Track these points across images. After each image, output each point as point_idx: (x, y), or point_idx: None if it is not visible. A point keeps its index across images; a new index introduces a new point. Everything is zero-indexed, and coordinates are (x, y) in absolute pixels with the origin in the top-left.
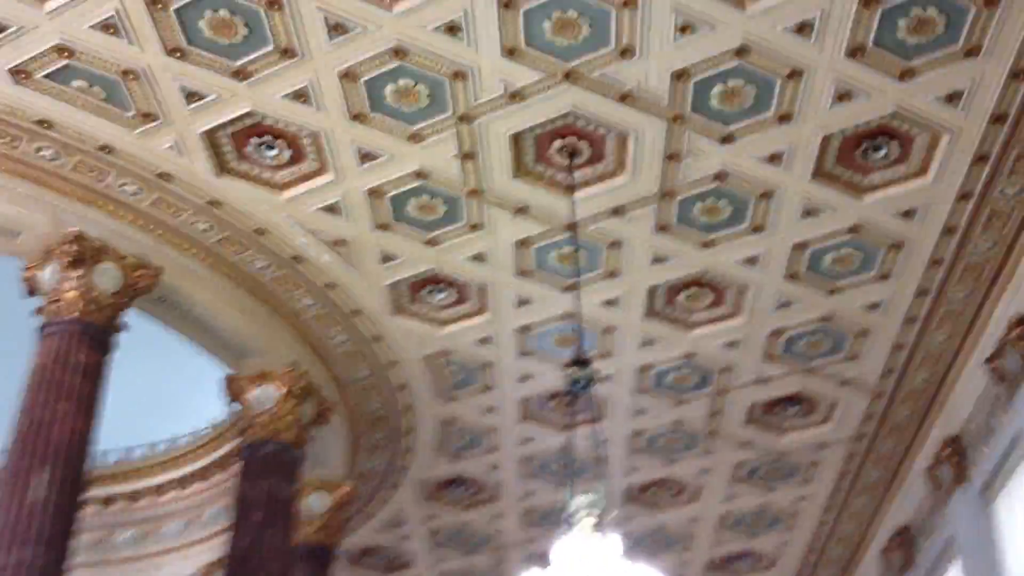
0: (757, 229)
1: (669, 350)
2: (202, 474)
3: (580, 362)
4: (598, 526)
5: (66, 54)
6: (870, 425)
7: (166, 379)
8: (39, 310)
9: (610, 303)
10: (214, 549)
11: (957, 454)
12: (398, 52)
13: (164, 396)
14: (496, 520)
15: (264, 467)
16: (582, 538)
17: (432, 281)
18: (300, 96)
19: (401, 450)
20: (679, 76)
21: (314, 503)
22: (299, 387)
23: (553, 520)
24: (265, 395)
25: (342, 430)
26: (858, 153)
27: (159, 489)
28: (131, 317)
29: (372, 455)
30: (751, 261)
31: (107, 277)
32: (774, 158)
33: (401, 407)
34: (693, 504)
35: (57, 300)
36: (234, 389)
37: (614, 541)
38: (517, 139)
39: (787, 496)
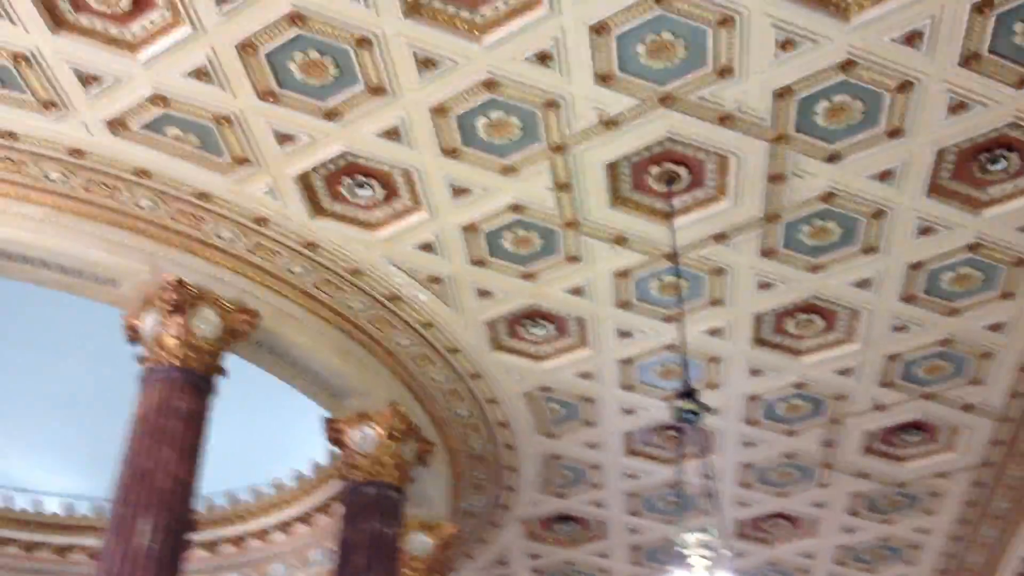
0: (869, 250)
1: (779, 379)
2: (305, 517)
3: (687, 394)
4: (712, 565)
5: (161, 103)
6: (997, 451)
7: (268, 422)
8: (140, 358)
9: (715, 332)
10: None
11: None
12: (489, 85)
13: (266, 439)
14: (602, 558)
15: (366, 509)
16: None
17: (530, 316)
18: (392, 134)
19: (503, 488)
20: (781, 94)
21: (417, 544)
22: (399, 428)
23: (660, 557)
24: (365, 437)
25: (443, 469)
26: (975, 166)
27: (263, 533)
28: (231, 362)
29: (474, 494)
30: (864, 284)
31: (206, 323)
32: (885, 175)
33: (502, 445)
34: (809, 538)
35: (158, 347)
36: (334, 431)
37: None
38: (613, 167)
39: (908, 527)
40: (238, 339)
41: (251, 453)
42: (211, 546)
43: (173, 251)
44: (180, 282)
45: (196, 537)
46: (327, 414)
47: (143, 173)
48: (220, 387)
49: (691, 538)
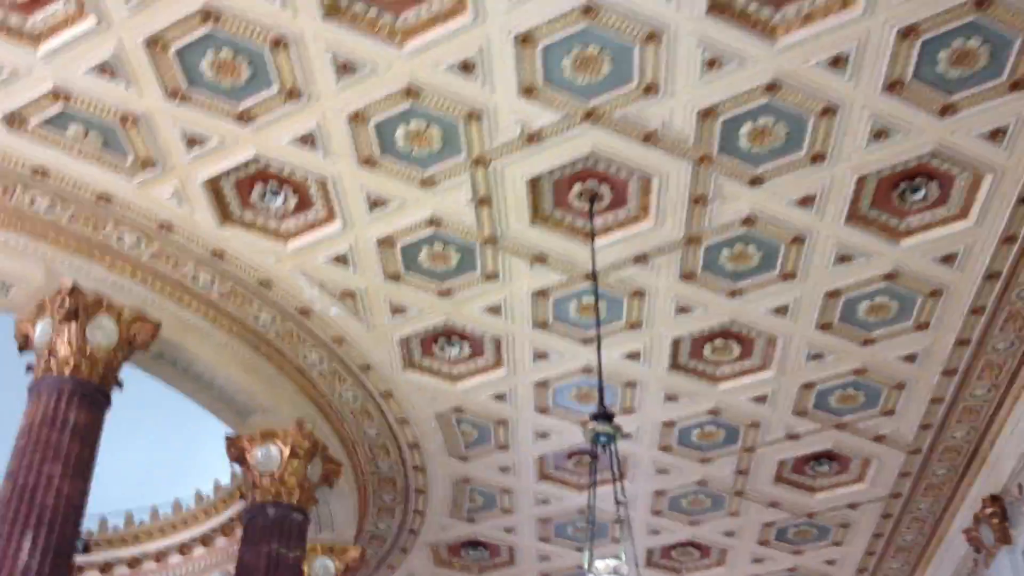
0: (788, 277)
1: (694, 405)
2: (204, 539)
3: (603, 416)
4: None
5: (61, 99)
6: (906, 483)
7: (169, 442)
8: (30, 367)
9: (632, 356)
10: None
11: (999, 513)
12: (409, 92)
13: (167, 459)
14: None
15: (267, 531)
16: None
17: (445, 334)
18: (307, 140)
19: (412, 512)
20: (706, 114)
21: (320, 568)
22: (304, 446)
23: None
24: (269, 455)
25: (350, 491)
26: (895, 195)
27: (160, 555)
28: (131, 375)
29: (381, 517)
30: (781, 311)
31: (102, 332)
32: (806, 201)
33: (412, 467)
34: (718, 568)
35: (49, 356)
36: (236, 449)
37: None
38: (535, 183)
39: (817, 558)
40: (136, 350)
41: (154, 474)
42: (106, 568)
43: (70, 255)
44: (75, 288)
45: (90, 558)
46: (231, 432)
47: (41, 172)
48: (125, 404)
49: (601, 564)
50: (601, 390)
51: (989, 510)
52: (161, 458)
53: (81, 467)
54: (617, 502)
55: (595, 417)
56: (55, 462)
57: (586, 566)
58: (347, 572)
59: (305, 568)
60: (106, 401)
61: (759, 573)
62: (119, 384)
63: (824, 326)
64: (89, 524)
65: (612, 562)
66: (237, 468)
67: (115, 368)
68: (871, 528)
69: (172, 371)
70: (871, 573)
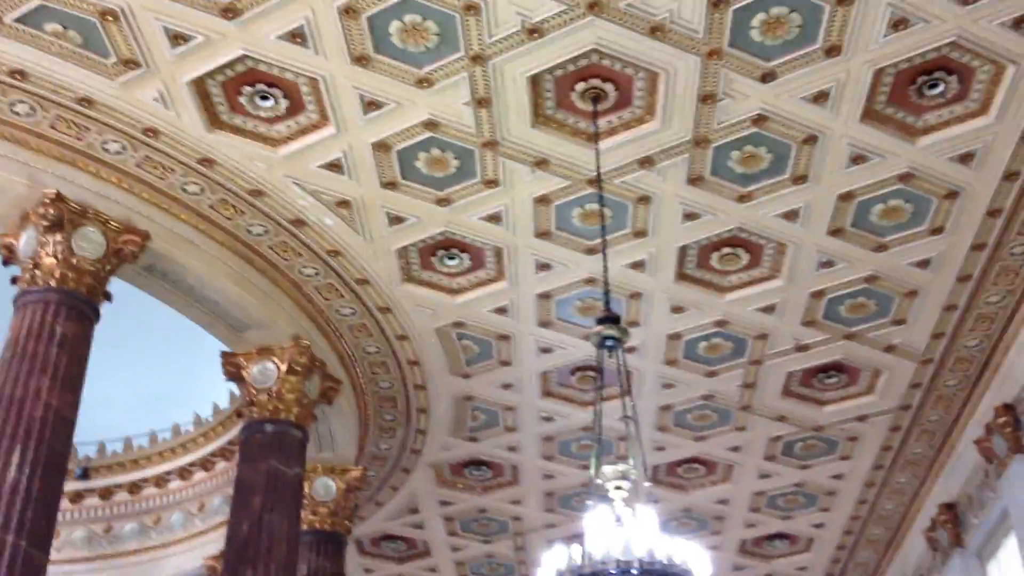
0: (799, 179)
1: (701, 317)
2: (204, 463)
3: (608, 319)
4: (630, 499)
5: None
6: (916, 395)
7: (168, 368)
8: (15, 279)
9: (637, 266)
10: (219, 540)
11: (1012, 422)
12: None
13: (166, 385)
14: (515, 504)
15: (265, 448)
16: (613, 511)
17: (444, 245)
18: (296, 36)
19: (413, 431)
20: (716, 4)
21: (322, 488)
22: (302, 362)
23: (574, 503)
24: (265, 372)
25: (350, 410)
26: (912, 90)
27: (161, 479)
28: (126, 300)
29: (383, 437)
30: (791, 215)
31: (89, 242)
32: (819, 97)
33: (412, 385)
34: (724, 484)
35: (34, 267)
36: (232, 366)
37: (648, 514)
38: (536, 82)
39: (823, 473)
40: (125, 261)
41: (153, 400)
42: (105, 494)
43: (53, 163)
44: (60, 196)
45: (89, 484)
46: (226, 349)
47: (18, 74)
48: (121, 331)
49: (609, 471)
50: (607, 293)
51: (1002, 419)
52: (160, 384)
53: (70, 380)
54: (625, 417)
55: (601, 321)
56: (43, 375)
57: (593, 472)
58: (349, 492)
59: (306, 488)
60: (94, 314)
61: (765, 489)
62: (108, 297)
63: (836, 232)
64: (88, 451)
65: (621, 467)
66: (235, 388)
67: (103, 280)
68: (879, 441)
69: (163, 285)
70: (879, 487)
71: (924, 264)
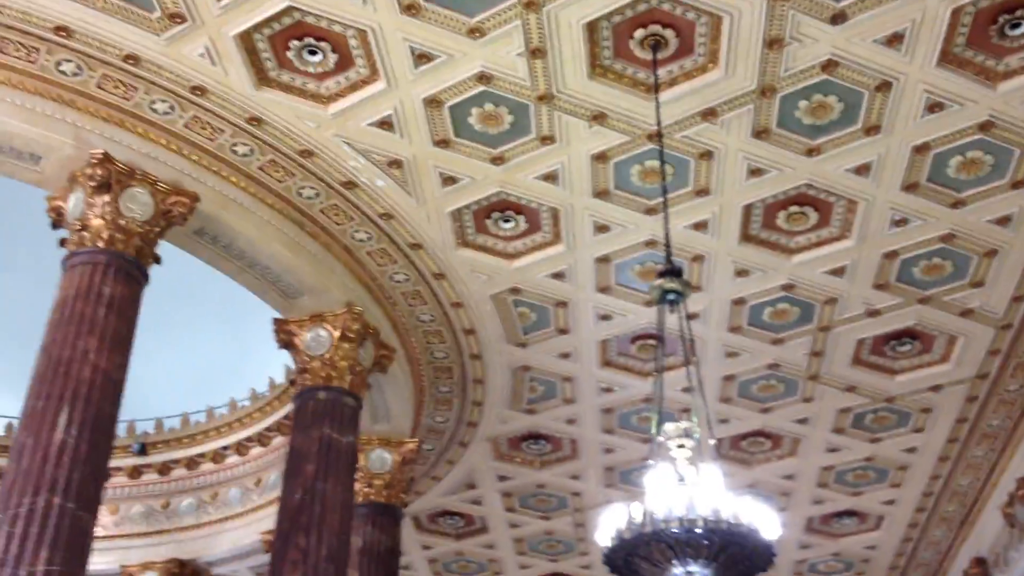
0: (871, 130)
1: (766, 280)
2: (261, 438)
3: (671, 272)
4: (693, 458)
5: None
6: (994, 362)
7: (225, 345)
8: (63, 241)
9: (699, 227)
10: (276, 515)
11: None
12: None
13: (226, 362)
14: (575, 479)
15: (317, 415)
16: (675, 471)
17: (499, 207)
18: None
19: (470, 403)
20: None
21: (377, 460)
22: (355, 329)
23: (634, 479)
24: (318, 339)
25: (405, 381)
26: (993, 30)
27: (218, 455)
28: (182, 279)
29: (439, 409)
30: (863, 170)
31: (137, 203)
32: (893, 40)
33: (468, 354)
34: (790, 459)
35: (82, 229)
36: (284, 333)
37: (713, 472)
38: (592, 29)
39: (895, 447)
40: (173, 224)
41: (210, 376)
42: (164, 469)
43: (101, 124)
44: (107, 157)
45: (148, 460)
46: (278, 316)
47: (63, 31)
48: (179, 309)
49: (671, 428)
50: (668, 246)
51: None
52: (217, 360)
53: (119, 341)
54: (687, 356)
55: (663, 274)
56: (91, 336)
57: (654, 430)
58: (404, 464)
59: (361, 460)
60: (143, 276)
61: (833, 464)
62: (157, 259)
63: (910, 187)
64: (146, 427)
65: (684, 424)
66: (291, 363)
67: (152, 242)
68: (955, 413)
69: (213, 250)
70: (954, 461)
71: (1004, 221)
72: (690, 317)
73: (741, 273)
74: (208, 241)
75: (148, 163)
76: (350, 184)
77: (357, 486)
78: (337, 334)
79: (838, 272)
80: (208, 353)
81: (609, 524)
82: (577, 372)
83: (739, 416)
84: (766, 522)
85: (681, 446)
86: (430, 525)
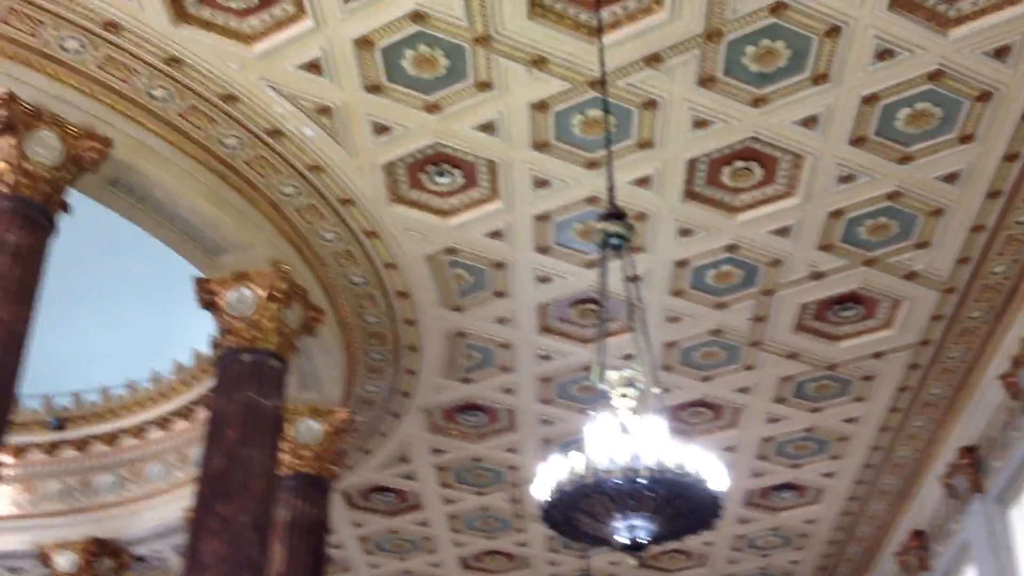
0: (820, 79)
1: (710, 241)
2: (184, 412)
3: (613, 215)
4: (638, 407)
5: None
6: (938, 328)
7: (151, 320)
8: None
9: (642, 182)
10: None
11: None
12: None
13: (149, 337)
14: (512, 452)
15: (241, 378)
16: (618, 421)
17: (434, 160)
18: None
19: (403, 372)
20: None
21: (306, 430)
22: (282, 289)
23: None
24: (242, 299)
25: (336, 347)
26: None
27: (140, 430)
28: (103, 248)
29: (371, 378)
30: (810, 122)
31: (45, 147)
32: None
33: (402, 319)
34: (731, 430)
35: None
36: (206, 293)
37: (658, 422)
38: None
39: (836, 417)
40: (85, 170)
41: (133, 351)
42: (82, 445)
43: (6, 63)
44: (12, 97)
45: (65, 436)
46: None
47: None
48: (100, 283)
49: (614, 376)
50: (612, 188)
51: None
52: (140, 335)
53: (23, 292)
54: (630, 295)
55: (605, 217)
56: None
57: (595, 379)
58: (334, 435)
59: (289, 430)
60: (51, 224)
61: (774, 434)
62: (66, 208)
63: (857, 140)
64: (64, 401)
65: (628, 372)
66: (212, 323)
67: (61, 189)
68: (896, 381)
69: (129, 202)
70: (894, 432)
71: (952, 178)
72: (633, 279)
73: (684, 233)
74: (124, 192)
75: (57, 105)
76: (276, 133)
77: (285, 457)
78: (263, 294)
79: (783, 232)
80: (131, 327)
81: (548, 477)
82: (515, 338)
83: (680, 384)
84: (714, 474)
85: (624, 395)
86: (362, 502)
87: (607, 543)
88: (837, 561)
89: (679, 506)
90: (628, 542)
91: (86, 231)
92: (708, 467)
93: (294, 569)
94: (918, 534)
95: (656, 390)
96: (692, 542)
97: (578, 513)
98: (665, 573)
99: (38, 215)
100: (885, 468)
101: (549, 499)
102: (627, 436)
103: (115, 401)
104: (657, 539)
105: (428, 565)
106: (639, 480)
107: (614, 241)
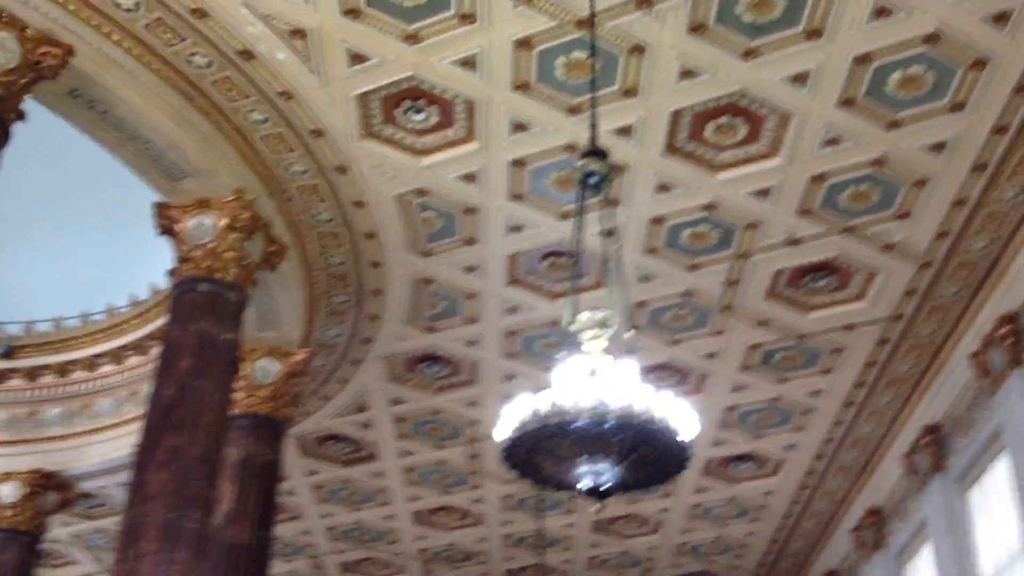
0: (813, 34)
1: (688, 198)
2: (139, 346)
3: (594, 152)
4: (609, 349)
5: None
6: (910, 303)
7: (109, 253)
8: None
9: (623, 132)
10: None
11: (1014, 335)
12: None
13: (107, 271)
14: (472, 406)
15: (197, 308)
16: (589, 361)
17: (410, 95)
18: None
19: (365, 316)
20: None
21: (261, 370)
22: (244, 219)
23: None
24: (202, 227)
25: (297, 286)
26: None
27: (92, 363)
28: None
29: (332, 322)
30: (800, 79)
31: (1, 49)
32: None
33: (368, 262)
34: (695, 395)
35: None
36: (165, 219)
37: (629, 366)
38: None
39: (802, 389)
40: (44, 77)
41: (90, 285)
42: (32, 375)
43: None
44: None
45: (14, 364)
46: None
47: None
48: (60, 216)
49: (585, 315)
50: (594, 125)
51: (1003, 331)
52: (97, 270)
53: None
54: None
55: (586, 154)
56: None
57: (567, 319)
58: (291, 377)
59: (244, 369)
60: (4, 132)
61: (739, 403)
62: (21, 116)
63: (846, 102)
64: (14, 330)
65: (600, 313)
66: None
67: (16, 94)
68: (864, 356)
69: (89, 116)
70: (858, 407)
71: (939, 148)
72: (606, 234)
73: (663, 188)
74: (84, 104)
75: (15, 6)
76: (247, 54)
77: (239, 396)
78: (223, 223)
79: (762, 194)
80: (91, 262)
81: (511, 415)
82: (482, 288)
83: (647, 347)
84: (683, 421)
85: (595, 338)
86: (317, 449)
87: (569, 488)
88: (791, 535)
89: (645, 453)
90: (590, 488)
91: (50, 162)
92: (678, 415)
93: (244, 509)
94: (875, 511)
95: (628, 333)
96: (647, 508)
97: (540, 455)
98: (619, 538)
99: None
100: (846, 443)
101: (511, 439)
102: (596, 379)
103: (67, 331)
104: (621, 487)
105: (380, 518)
106: (606, 424)
107: (593, 180)
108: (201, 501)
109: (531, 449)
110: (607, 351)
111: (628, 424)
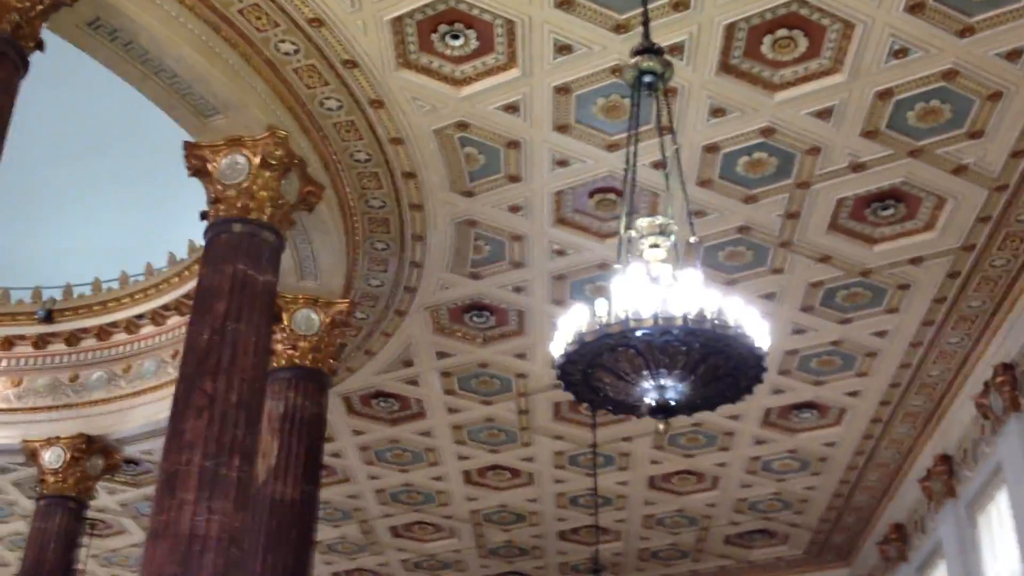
0: None
1: (744, 123)
2: (179, 306)
3: (649, 50)
4: (673, 259)
5: None
6: (983, 231)
7: (147, 215)
8: None
9: (675, 49)
10: None
11: None
12: None
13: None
14: (520, 359)
15: (231, 249)
16: (649, 272)
17: (447, 18)
18: None
19: (408, 263)
20: None
21: (304, 321)
22: (277, 156)
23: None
24: (235, 166)
25: (336, 232)
26: None
27: (132, 324)
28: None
29: (373, 270)
30: None
31: None
32: None
33: (408, 204)
34: None
35: None
36: (196, 159)
37: (693, 275)
38: None
39: (866, 330)
40: (61, 3)
41: (128, 247)
42: (72, 339)
43: None
44: None
45: (53, 328)
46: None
47: None
48: (97, 178)
49: (644, 223)
50: (646, 22)
51: None
52: (136, 229)
53: None
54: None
55: (639, 52)
56: None
57: (623, 230)
58: (333, 327)
59: (286, 319)
60: (21, 60)
61: (798, 348)
62: (39, 45)
63: (915, 7)
64: (53, 293)
65: (659, 219)
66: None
67: (33, 21)
68: (933, 291)
69: (111, 48)
70: (927, 347)
71: (1015, 56)
72: (655, 166)
73: (717, 112)
74: (105, 36)
75: None
76: None
77: (280, 348)
78: (257, 160)
79: (824, 114)
80: (127, 221)
81: (567, 327)
82: (528, 230)
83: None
84: (755, 328)
85: (655, 246)
86: (363, 408)
87: (631, 409)
88: (855, 488)
89: (716, 364)
90: (656, 404)
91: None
92: (750, 321)
93: (288, 464)
94: (944, 459)
95: (692, 239)
96: (704, 463)
97: (599, 370)
98: (675, 495)
99: (7, 47)
100: (913, 388)
101: (567, 353)
102: (658, 287)
103: (106, 294)
104: (689, 405)
105: (430, 479)
106: (672, 332)
107: (648, 79)
108: (241, 449)
109: (589, 365)
110: (668, 260)
111: (698, 330)
